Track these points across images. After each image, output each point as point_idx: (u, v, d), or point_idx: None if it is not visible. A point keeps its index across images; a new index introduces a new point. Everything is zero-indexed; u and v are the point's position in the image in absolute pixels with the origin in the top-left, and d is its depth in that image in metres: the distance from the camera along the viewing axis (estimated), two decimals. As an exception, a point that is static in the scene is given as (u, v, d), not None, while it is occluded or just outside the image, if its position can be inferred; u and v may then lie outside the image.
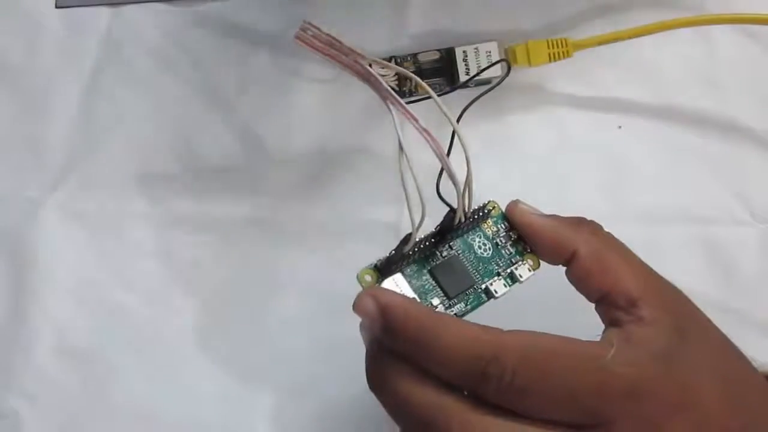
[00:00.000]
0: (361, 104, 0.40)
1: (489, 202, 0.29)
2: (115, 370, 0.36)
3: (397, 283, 0.27)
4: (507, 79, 0.39)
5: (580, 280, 0.27)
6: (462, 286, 0.28)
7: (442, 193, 0.27)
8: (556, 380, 0.23)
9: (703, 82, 0.39)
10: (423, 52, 0.38)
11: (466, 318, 0.28)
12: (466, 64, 0.37)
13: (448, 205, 0.27)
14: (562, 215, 0.28)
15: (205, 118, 0.40)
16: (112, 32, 0.42)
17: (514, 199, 0.29)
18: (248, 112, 0.40)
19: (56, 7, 0.43)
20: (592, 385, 0.23)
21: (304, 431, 0.35)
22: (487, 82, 0.37)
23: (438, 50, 0.38)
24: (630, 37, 0.37)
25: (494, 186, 0.38)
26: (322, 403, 0.35)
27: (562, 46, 0.37)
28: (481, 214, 0.29)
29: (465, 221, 0.28)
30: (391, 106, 0.25)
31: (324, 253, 0.37)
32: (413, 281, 0.28)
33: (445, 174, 0.26)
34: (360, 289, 0.26)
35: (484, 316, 0.27)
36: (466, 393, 0.24)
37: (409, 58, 0.38)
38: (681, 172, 0.38)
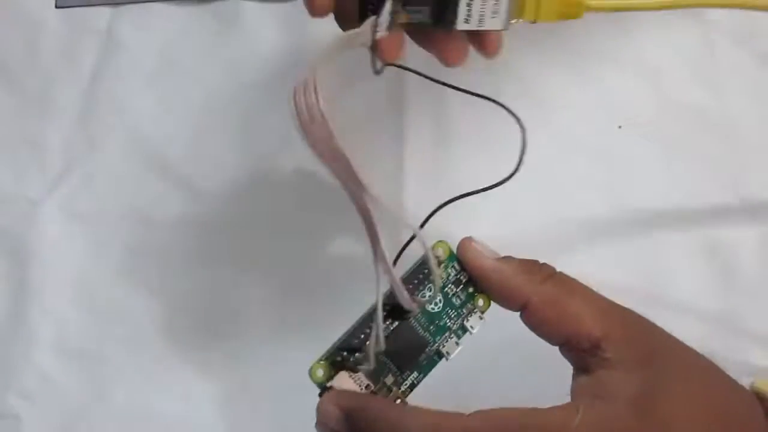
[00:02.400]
0: (363, 105, 0.40)
1: (438, 243, 0.28)
2: (115, 370, 0.36)
3: (356, 381, 0.27)
4: (507, 80, 0.39)
5: (536, 327, 0.27)
6: (414, 353, 0.27)
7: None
8: None
9: (703, 82, 0.39)
10: None
11: (424, 381, 0.27)
12: (468, 8, 0.29)
13: (409, 303, 0.26)
14: (515, 258, 0.27)
15: (205, 117, 0.40)
16: (112, 32, 0.42)
17: (468, 236, 0.28)
18: (248, 112, 0.40)
19: (56, 7, 0.43)
20: None
21: (304, 431, 0.35)
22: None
23: None
24: (647, 9, 0.31)
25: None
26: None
27: (575, 6, 0.31)
28: (427, 269, 0.27)
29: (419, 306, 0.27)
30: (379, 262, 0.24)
31: (324, 254, 0.37)
32: (366, 365, 0.26)
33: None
34: (311, 382, 0.26)
35: (464, 356, 0.27)
36: None
37: None
38: (681, 172, 0.38)
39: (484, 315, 0.28)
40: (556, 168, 0.39)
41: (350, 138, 0.40)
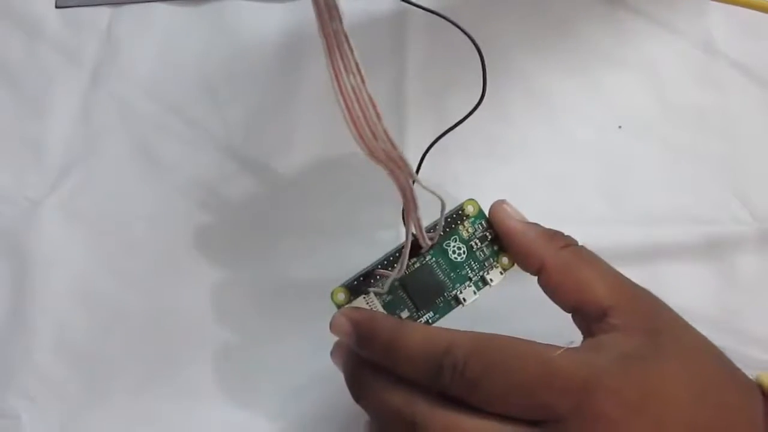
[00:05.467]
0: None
1: (467, 201, 0.30)
2: (115, 370, 0.36)
3: (367, 301, 0.29)
4: (507, 80, 0.39)
5: (550, 291, 0.28)
6: (432, 295, 0.29)
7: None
8: (504, 373, 0.24)
9: (703, 82, 0.39)
10: None
11: (437, 324, 0.29)
12: None
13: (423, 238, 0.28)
14: (541, 225, 0.29)
15: (205, 117, 0.40)
16: (112, 32, 0.42)
17: (502, 198, 0.30)
18: (249, 111, 0.40)
19: (56, 7, 0.43)
20: (536, 379, 0.24)
21: (304, 431, 0.35)
22: None
23: None
24: None
25: (494, 186, 0.38)
26: (323, 403, 0.35)
27: None
28: (458, 216, 0.30)
29: (432, 245, 0.29)
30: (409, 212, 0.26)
31: (324, 252, 0.38)
32: (384, 296, 0.29)
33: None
34: (333, 306, 0.29)
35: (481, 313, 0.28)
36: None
37: None
38: (681, 172, 0.38)
39: (505, 273, 0.30)
40: (555, 168, 0.39)
41: (349, 135, 0.40)
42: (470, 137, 0.38)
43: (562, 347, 0.25)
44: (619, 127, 0.39)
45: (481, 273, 0.30)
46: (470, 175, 0.38)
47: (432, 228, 0.29)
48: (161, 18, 0.42)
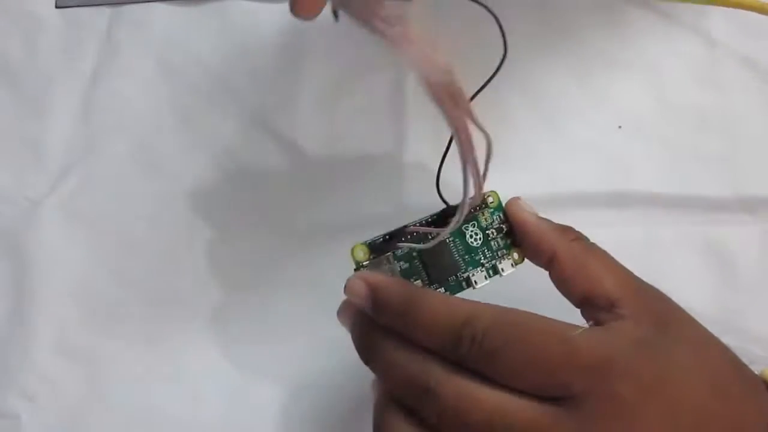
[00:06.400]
0: (364, 103, 0.40)
1: (491, 192, 0.31)
2: (115, 370, 0.36)
3: (387, 263, 0.29)
4: (507, 80, 0.39)
5: (561, 283, 0.29)
6: (446, 272, 0.30)
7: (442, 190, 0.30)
8: (523, 346, 0.24)
9: (703, 82, 0.39)
10: None
11: None
12: None
13: (446, 203, 0.30)
14: (553, 221, 0.30)
15: (205, 117, 0.40)
16: (112, 32, 0.42)
17: (517, 196, 0.31)
18: (249, 111, 0.40)
19: (56, 7, 0.43)
20: (556, 356, 0.24)
21: (306, 429, 0.35)
22: None
23: None
24: None
25: (494, 186, 0.38)
26: (325, 400, 0.35)
27: None
28: (480, 204, 0.31)
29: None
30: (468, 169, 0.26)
31: (325, 253, 0.38)
32: (402, 263, 0.29)
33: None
34: (351, 261, 0.29)
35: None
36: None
37: None
38: (681, 172, 0.38)
39: (516, 266, 0.31)
40: (555, 168, 0.39)
41: (350, 135, 0.40)
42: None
43: (582, 327, 0.25)
44: (619, 127, 0.39)
45: (493, 261, 0.31)
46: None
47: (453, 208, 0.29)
48: (161, 18, 0.42)
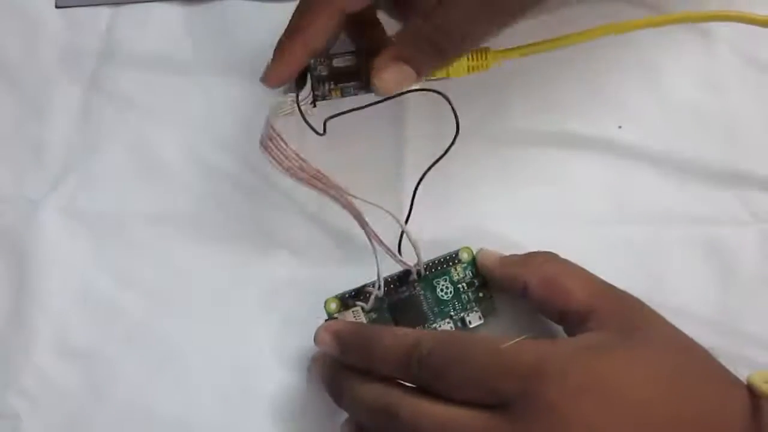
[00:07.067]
0: (364, 102, 0.40)
1: (463, 248, 0.34)
2: (115, 370, 0.36)
3: (354, 314, 0.33)
4: (507, 79, 0.39)
5: (539, 307, 0.31)
6: (413, 323, 0.33)
7: (403, 254, 0.33)
8: (460, 363, 0.27)
9: (704, 82, 0.39)
10: (338, 55, 0.34)
11: None
12: None
13: (404, 264, 0.33)
14: (517, 254, 0.33)
15: (205, 117, 0.40)
16: (112, 32, 0.42)
17: (482, 247, 0.34)
18: (249, 111, 0.40)
19: (56, 7, 0.43)
20: (488, 367, 0.27)
21: (306, 429, 0.36)
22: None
23: (352, 53, 0.34)
24: (556, 47, 0.35)
25: (494, 186, 0.38)
26: (324, 400, 0.35)
27: (482, 59, 0.34)
28: (452, 258, 0.34)
29: (423, 276, 0.33)
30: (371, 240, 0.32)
31: (325, 253, 0.38)
32: (371, 314, 0.33)
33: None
34: (324, 313, 0.33)
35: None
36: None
37: (323, 61, 0.34)
38: (681, 171, 0.38)
39: (485, 319, 0.33)
40: (555, 168, 0.39)
41: (350, 138, 0.40)
42: (471, 138, 0.38)
43: (515, 339, 0.27)
44: (619, 127, 0.39)
45: (462, 314, 0.33)
46: (471, 177, 0.38)
47: (427, 264, 0.33)
48: (161, 18, 0.42)
